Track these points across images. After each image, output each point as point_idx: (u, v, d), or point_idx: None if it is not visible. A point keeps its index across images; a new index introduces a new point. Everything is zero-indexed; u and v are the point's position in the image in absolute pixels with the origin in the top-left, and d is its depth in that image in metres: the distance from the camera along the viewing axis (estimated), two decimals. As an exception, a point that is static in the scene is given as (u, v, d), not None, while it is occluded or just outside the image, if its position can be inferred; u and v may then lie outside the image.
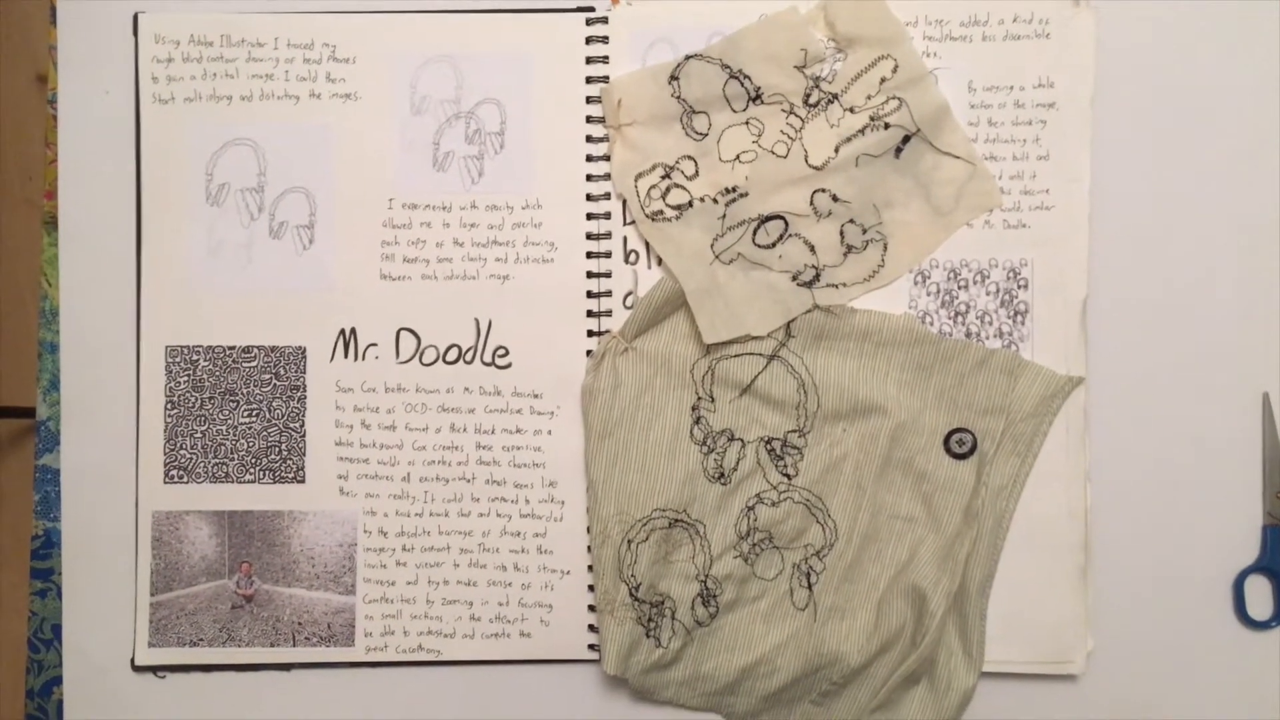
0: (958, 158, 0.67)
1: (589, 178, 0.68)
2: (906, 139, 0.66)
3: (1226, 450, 0.68)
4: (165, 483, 0.69)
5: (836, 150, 0.66)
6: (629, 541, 0.67)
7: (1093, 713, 0.68)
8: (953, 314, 0.68)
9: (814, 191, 0.67)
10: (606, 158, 0.68)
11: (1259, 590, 0.68)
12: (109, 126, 0.69)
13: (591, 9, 0.68)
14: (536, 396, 0.69)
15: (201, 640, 0.69)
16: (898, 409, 0.66)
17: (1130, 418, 0.68)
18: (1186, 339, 0.68)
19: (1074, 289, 0.67)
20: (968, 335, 0.67)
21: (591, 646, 0.69)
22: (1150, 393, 0.68)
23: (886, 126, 0.66)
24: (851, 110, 0.66)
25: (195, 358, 0.69)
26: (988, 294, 0.67)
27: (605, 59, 0.68)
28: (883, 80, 0.66)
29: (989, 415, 0.66)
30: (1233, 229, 0.68)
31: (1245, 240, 0.68)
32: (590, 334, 0.68)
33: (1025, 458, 0.67)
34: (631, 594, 0.67)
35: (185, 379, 0.69)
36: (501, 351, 0.69)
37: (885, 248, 0.67)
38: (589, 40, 0.68)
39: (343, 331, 0.69)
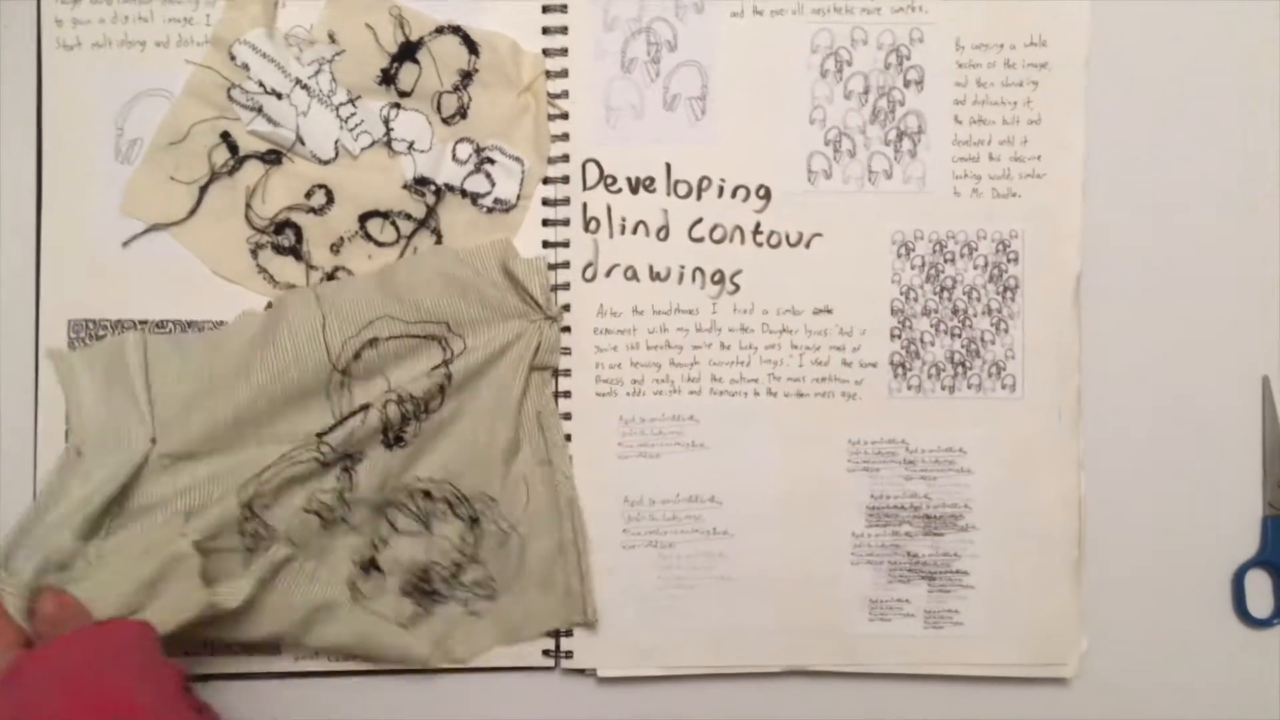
0: None
1: (545, 138, 0.62)
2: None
3: (1225, 436, 0.64)
4: (69, 474, 0.62)
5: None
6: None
7: (1086, 717, 0.63)
8: (938, 289, 0.63)
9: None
10: (564, 115, 0.62)
11: (1259, 586, 0.64)
12: (7, 75, 0.62)
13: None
14: (486, 377, 0.62)
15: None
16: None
17: (1125, 401, 0.63)
18: (1185, 318, 0.64)
19: (1067, 263, 0.62)
20: (954, 311, 0.63)
21: (546, 652, 0.63)
22: (1147, 375, 0.64)
23: None
24: None
25: (104, 334, 0.62)
26: (976, 268, 0.63)
27: (563, 7, 0.62)
28: None
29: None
30: (1236, 201, 0.64)
31: (1249, 213, 0.64)
32: (546, 309, 0.63)
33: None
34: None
35: (91, 357, 0.62)
36: (447, 328, 0.63)
37: None
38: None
39: (271, 305, 0.62)
